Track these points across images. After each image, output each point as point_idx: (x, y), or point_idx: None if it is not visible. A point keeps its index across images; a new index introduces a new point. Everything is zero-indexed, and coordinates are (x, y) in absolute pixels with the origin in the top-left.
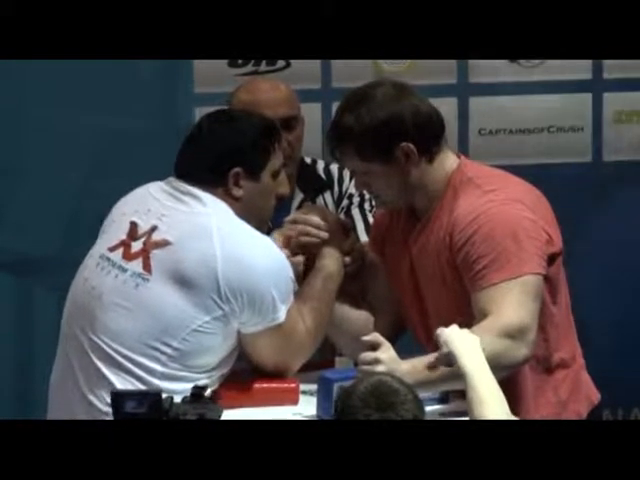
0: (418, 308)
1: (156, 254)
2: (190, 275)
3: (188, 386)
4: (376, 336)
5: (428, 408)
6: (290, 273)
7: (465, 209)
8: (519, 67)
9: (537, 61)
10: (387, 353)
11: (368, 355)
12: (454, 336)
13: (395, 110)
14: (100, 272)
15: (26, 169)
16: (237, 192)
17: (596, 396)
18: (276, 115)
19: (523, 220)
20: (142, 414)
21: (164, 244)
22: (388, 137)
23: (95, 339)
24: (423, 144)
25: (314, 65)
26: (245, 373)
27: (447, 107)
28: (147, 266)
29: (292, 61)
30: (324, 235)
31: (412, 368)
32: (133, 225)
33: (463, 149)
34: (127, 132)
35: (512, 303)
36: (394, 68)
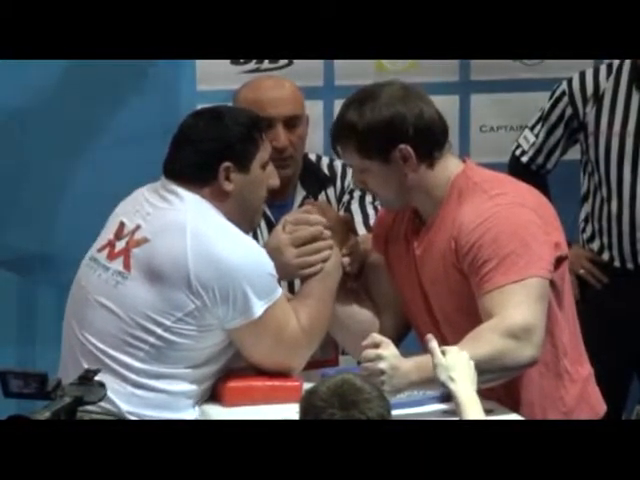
0: (424, 308)
1: (135, 252)
2: (162, 270)
3: (171, 383)
4: (374, 337)
5: (431, 407)
6: (270, 270)
7: (472, 214)
8: (520, 65)
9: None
10: (389, 350)
11: (370, 352)
12: (454, 362)
13: (398, 111)
14: (88, 271)
15: (29, 168)
16: (228, 186)
17: (602, 408)
18: (279, 114)
19: (530, 224)
20: (28, 394)
21: (143, 242)
22: (387, 137)
23: (81, 337)
24: (423, 148)
25: (317, 63)
26: (248, 371)
27: (449, 104)
28: (127, 264)
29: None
30: (327, 233)
31: (416, 365)
32: (121, 225)
33: (464, 146)
34: (129, 130)
35: (516, 304)
36: (396, 66)
